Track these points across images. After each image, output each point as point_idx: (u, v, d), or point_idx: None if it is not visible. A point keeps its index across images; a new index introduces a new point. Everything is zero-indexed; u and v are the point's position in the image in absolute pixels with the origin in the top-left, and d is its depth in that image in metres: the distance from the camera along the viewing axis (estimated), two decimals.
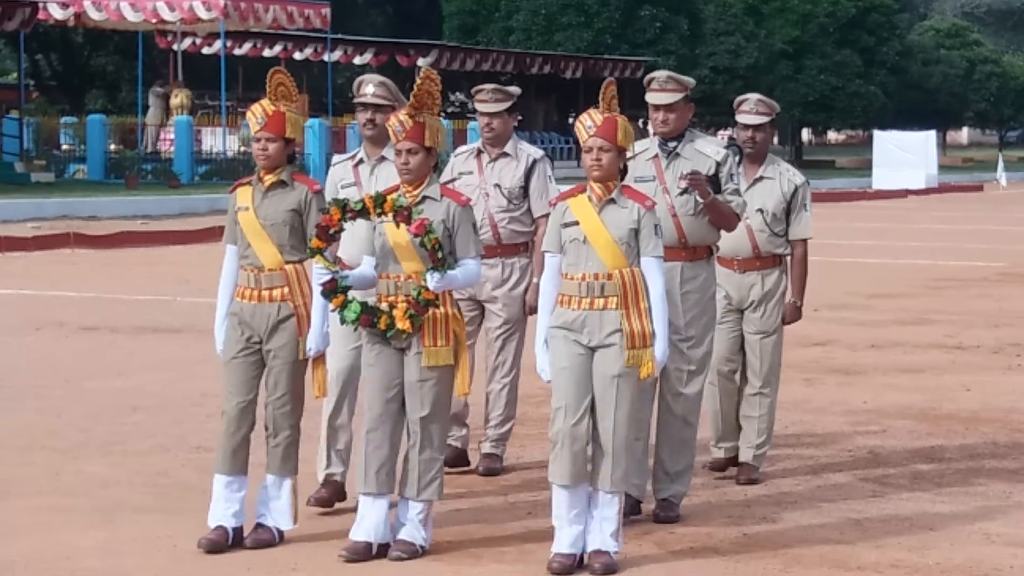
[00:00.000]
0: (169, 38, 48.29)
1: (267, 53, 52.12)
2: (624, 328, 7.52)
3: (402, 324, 7.56)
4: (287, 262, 7.90)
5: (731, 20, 69.33)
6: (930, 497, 9.46)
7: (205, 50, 50.02)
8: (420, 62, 52.27)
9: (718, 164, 8.66)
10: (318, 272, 7.69)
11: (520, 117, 10.33)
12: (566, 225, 7.66)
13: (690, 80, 8.80)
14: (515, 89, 9.87)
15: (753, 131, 9.64)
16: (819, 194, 50.04)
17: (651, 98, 8.71)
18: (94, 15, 45.96)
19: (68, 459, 10.09)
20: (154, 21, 46.02)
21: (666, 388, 8.65)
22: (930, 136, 61.44)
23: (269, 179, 7.95)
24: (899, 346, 15.96)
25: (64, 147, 47.25)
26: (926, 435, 11.32)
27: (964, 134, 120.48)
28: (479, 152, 9.74)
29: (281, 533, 7.96)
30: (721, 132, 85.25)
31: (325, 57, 50.95)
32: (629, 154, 8.30)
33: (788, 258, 9.71)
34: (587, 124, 7.66)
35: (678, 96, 8.67)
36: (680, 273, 8.56)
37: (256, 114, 7.95)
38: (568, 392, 7.55)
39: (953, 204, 47.78)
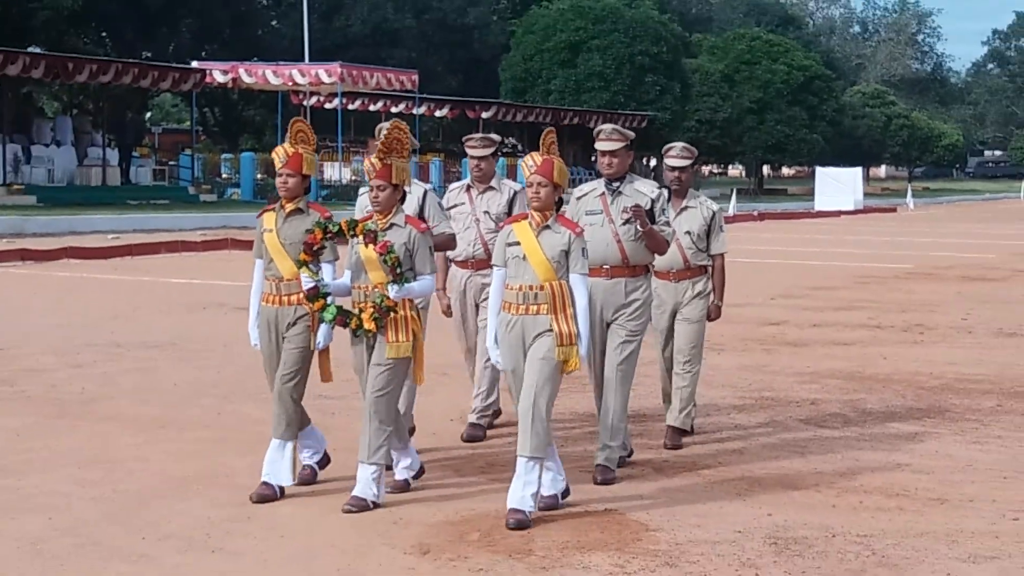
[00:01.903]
0: (300, 96, 48.40)
1: (372, 108, 52.16)
2: (555, 328, 7.02)
3: (368, 325, 7.16)
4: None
5: (712, 85, 69.08)
6: (856, 436, 9.42)
7: (327, 105, 50.06)
8: (483, 115, 52.36)
9: (653, 201, 8.17)
10: (304, 280, 7.31)
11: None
12: (510, 244, 7.19)
13: (630, 133, 8.23)
14: (496, 137, 9.33)
15: (679, 172, 9.08)
16: (775, 214, 49.98)
17: (599, 146, 8.16)
18: (246, 79, 46.14)
19: (226, 403, 10.14)
20: (289, 84, 46.17)
21: (606, 374, 8.09)
22: (857, 172, 61.04)
23: (289, 207, 7.52)
24: (834, 325, 15.89)
25: (224, 176, 47.47)
26: (853, 391, 11.26)
27: (883, 170, 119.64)
28: (468, 187, 9.24)
29: (282, 489, 7.40)
30: (706, 168, 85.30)
31: (414, 111, 50.99)
32: (579, 193, 8.23)
33: (710, 268, 9.19)
34: (529, 164, 7.17)
35: (620, 144, 8.13)
36: (625, 286, 8.11)
37: (279, 155, 7.53)
38: (517, 387, 7.15)
39: (874, 222, 47.55)
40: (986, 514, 7.36)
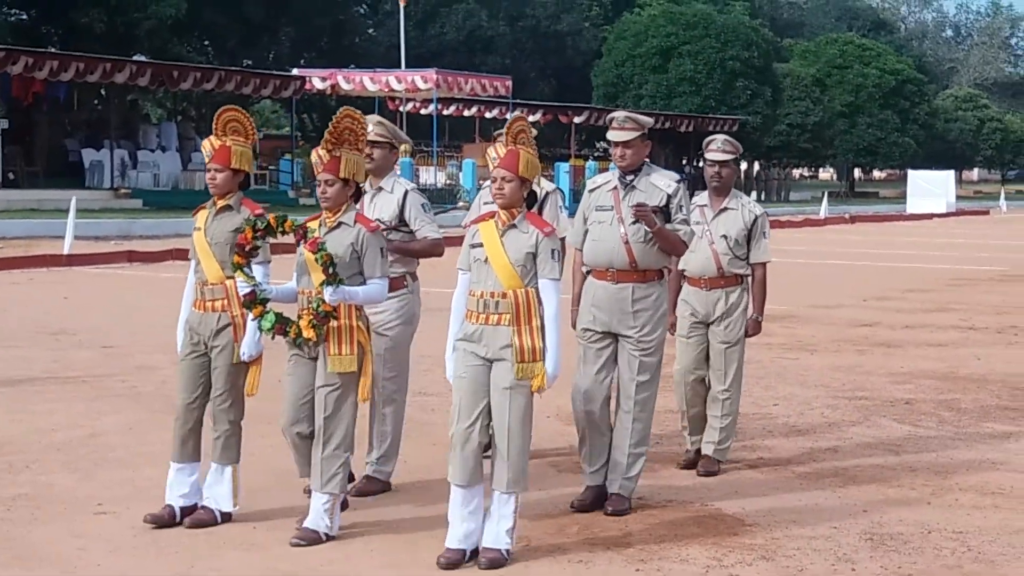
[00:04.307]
0: (396, 102, 48.73)
1: (466, 113, 52.41)
2: (515, 343, 6.14)
3: (307, 333, 6.43)
4: (228, 277, 6.71)
5: (803, 89, 68.56)
6: (951, 436, 9.36)
7: (422, 111, 50.41)
8: (576, 120, 52.41)
9: (669, 196, 7.15)
10: (240, 285, 6.54)
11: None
12: (474, 246, 6.32)
13: (647, 120, 7.24)
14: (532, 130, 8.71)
15: (719, 167, 8.08)
16: (866, 216, 49.54)
17: (611, 136, 7.18)
18: (344, 86, 46.54)
19: None
20: (386, 90, 46.51)
21: (621, 395, 7.22)
22: (950, 175, 60.26)
23: (220, 204, 6.79)
24: (926, 327, 15.75)
25: None
26: (947, 391, 11.17)
27: (975, 173, 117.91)
28: None
29: (224, 515, 6.80)
30: (796, 171, 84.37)
31: (507, 116, 51.10)
32: (592, 185, 7.36)
33: (749, 278, 8.17)
34: (492, 156, 6.34)
35: (635, 134, 7.13)
36: (632, 293, 7.10)
37: (206, 148, 6.81)
38: (463, 399, 6.22)
39: (966, 225, 46.94)
40: None
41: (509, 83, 47.67)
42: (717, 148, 8.13)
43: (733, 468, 8.21)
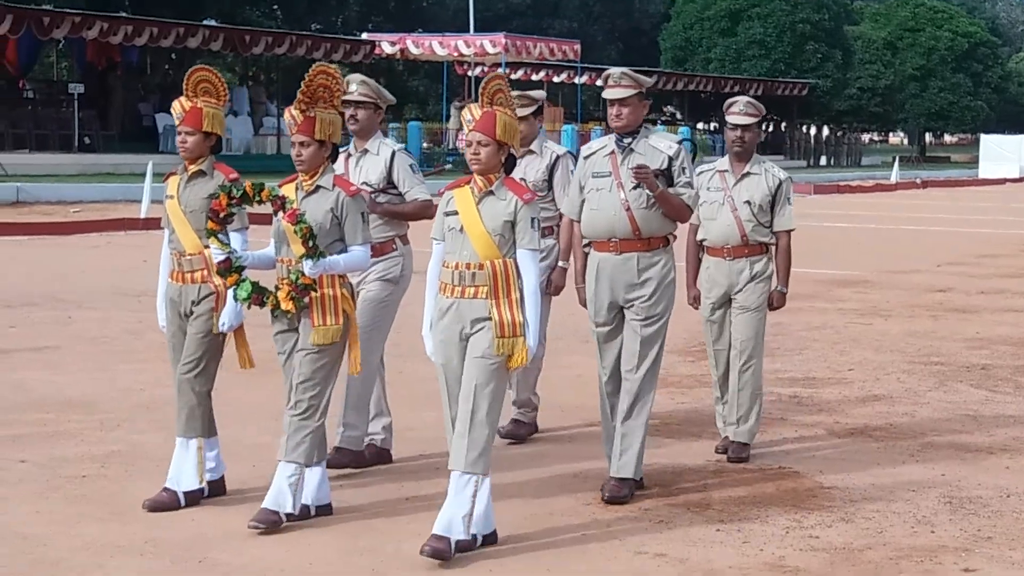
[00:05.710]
0: (464, 67, 48.79)
1: (534, 77, 52.31)
2: (494, 316, 5.75)
3: (285, 305, 6.17)
4: (206, 246, 6.38)
5: (874, 52, 67.85)
6: None
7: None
8: None
9: (670, 159, 6.76)
10: (214, 252, 6.22)
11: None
12: (448, 214, 5.94)
13: (646, 79, 6.82)
14: (539, 94, 7.93)
15: (742, 130, 7.62)
16: (938, 181, 49.01)
17: (607, 94, 6.79)
18: (413, 50, 46.66)
19: (405, 362, 10.32)
20: (455, 55, 46.56)
21: (623, 368, 6.84)
22: (1023, 139, 59.52)
23: (192, 169, 6.46)
24: (1002, 293, 15.66)
25: None
26: None
27: None
28: None
29: (187, 495, 6.50)
30: (866, 135, 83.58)
31: (576, 80, 51.02)
32: (588, 151, 6.99)
33: (774, 247, 7.70)
34: (467, 119, 5.91)
35: (631, 92, 6.72)
36: (637, 262, 6.74)
37: (176, 110, 6.46)
38: (451, 388, 5.93)
39: None
40: None
41: (577, 47, 47.53)
42: (739, 111, 7.68)
43: (809, 433, 8.26)
